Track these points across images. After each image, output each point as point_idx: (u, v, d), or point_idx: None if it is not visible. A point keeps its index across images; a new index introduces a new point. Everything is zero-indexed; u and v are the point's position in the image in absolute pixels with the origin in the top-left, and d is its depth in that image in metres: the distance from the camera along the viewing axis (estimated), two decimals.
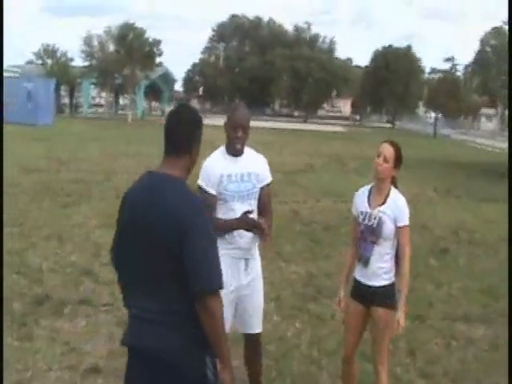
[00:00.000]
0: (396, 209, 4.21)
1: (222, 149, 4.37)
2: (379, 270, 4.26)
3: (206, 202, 4.03)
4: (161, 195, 2.87)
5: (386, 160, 4.21)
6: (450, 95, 57.59)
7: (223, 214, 4.24)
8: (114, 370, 5.22)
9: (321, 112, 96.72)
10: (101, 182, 16.10)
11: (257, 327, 4.51)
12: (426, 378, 5.51)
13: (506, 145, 46.76)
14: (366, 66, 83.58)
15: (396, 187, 4.36)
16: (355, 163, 23.96)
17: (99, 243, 9.56)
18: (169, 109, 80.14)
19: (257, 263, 4.46)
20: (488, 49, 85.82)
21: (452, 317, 7.14)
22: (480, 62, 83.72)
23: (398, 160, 4.27)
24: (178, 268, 2.77)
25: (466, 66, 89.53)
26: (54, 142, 27.18)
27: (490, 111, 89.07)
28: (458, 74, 69.67)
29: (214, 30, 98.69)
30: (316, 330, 6.42)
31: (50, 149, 23.57)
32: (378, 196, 4.29)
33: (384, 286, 4.29)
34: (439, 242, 10.86)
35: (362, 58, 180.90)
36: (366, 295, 4.34)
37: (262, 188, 4.41)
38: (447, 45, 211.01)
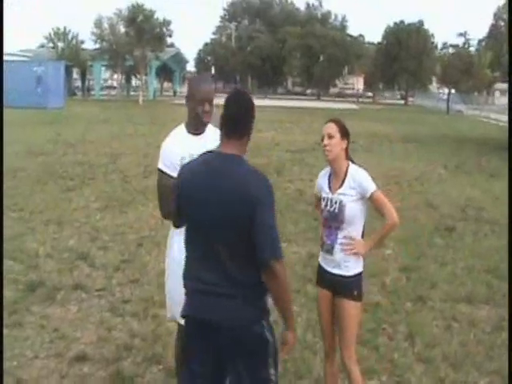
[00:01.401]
0: (357, 185, 3.98)
1: (182, 127, 4.10)
2: (345, 258, 4.05)
3: (166, 188, 3.84)
4: (232, 173, 3.05)
5: (330, 136, 4.04)
6: (464, 71, 56.85)
7: None
8: (101, 357, 5.13)
9: (333, 89, 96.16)
10: (106, 164, 15.99)
11: None
12: (425, 362, 5.34)
13: None
14: (379, 43, 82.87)
15: (352, 161, 4.15)
16: (365, 140, 23.72)
17: (98, 226, 9.47)
18: (180, 89, 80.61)
19: None
20: (501, 23, 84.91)
21: (455, 297, 6.96)
22: (493, 36, 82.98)
23: (344, 132, 4.07)
24: (247, 240, 2.97)
25: (479, 41, 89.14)
26: (63, 125, 27.13)
27: (504, 86, 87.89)
28: (472, 49, 69.12)
29: (225, 10, 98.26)
30: (312, 313, 6.18)
31: (58, 132, 23.47)
32: (336, 178, 4.09)
33: (352, 276, 4.08)
34: (446, 220, 10.66)
35: (374, 34, 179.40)
36: (331, 283, 4.13)
37: None
38: (460, 19, 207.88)
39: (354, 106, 64.25)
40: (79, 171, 14.57)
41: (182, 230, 3.94)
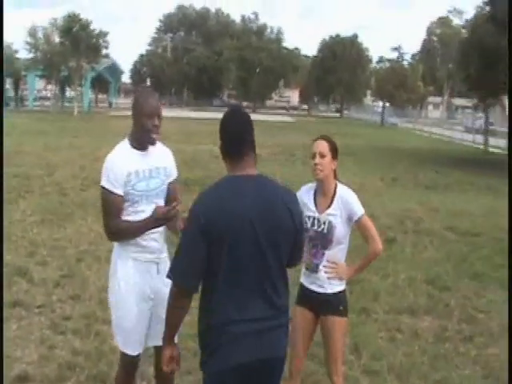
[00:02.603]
0: (346, 206, 3.98)
1: (126, 142, 3.84)
2: (327, 276, 4.05)
3: (113, 207, 3.71)
4: (275, 196, 2.99)
5: (322, 155, 3.98)
6: (398, 84, 58.04)
7: (130, 217, 3.76)
8: (43, 377, 4.96)
9: (269, 102, 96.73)
10: (42, 176, 15.65)
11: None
12: (371, 374, 5.36)
13: (451, 132, 47.58)
14: (314, 56, 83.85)
15: (337, 179, 4.12)
16: (303, 153, 23.84)
17: (36, 241, 9.23)
18: (116, 101, 79.66)
19: (167, 266, 4.08)
20: (434, 38, 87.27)
21: (397, 309, 7.03)
22: (426, 51, 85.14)
23: (335, 151, 4.04)
24: (285, 263, 3.01)
25: (413, 55, 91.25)
26: None
27: (437, 99, 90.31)
28: (405, 63, 70.61)
29: (161, 21, 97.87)
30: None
31: None
32: (324, 198, 4.04)
33: (338, 293, 4.10)
34: (386, 232, 10.75)
35: (309, 48, 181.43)
36: (315, 303, 4.11)
37: (169, 183, 3.96)
38: (395, 34, 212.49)
39: (289, 119, 64.75)
40: (15, 183, 14.18)
41: (122, 253, 3.83)
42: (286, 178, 15.64)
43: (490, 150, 32.91)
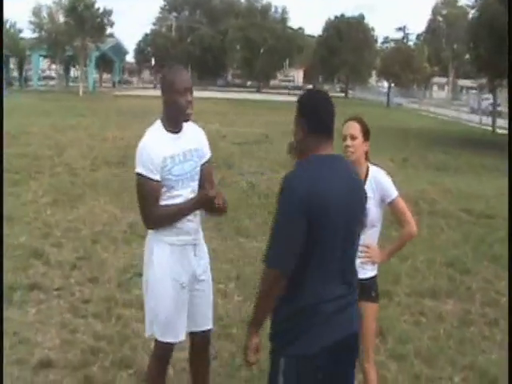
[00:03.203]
0: (379, 187, 3.90)
1: (159, 125, 3.72)
2: (360, 262, 3.96)
3: (151, 194, 3.59)
4: (357, 179, 3.06)
5: (353, 137, 3.90)
6: (404, 65, 57.62)
7: (167, 202, 3.66)
8: (67, 362, 4.88)
9: (274, 82, 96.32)
10: (51, 156, 15.54)
11: (209, 323, 3.97)
12: (398, 359, 5.28)
13: (457, 113, 47.32)
14: (319, 36, 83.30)
15: (369, 161, 4.03)
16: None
17: (50, 222, 9.15)
18: (120, 80, 79.22)
19: (205, 248, 3.94)
20: (440, 18, 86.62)
21: (419, 292, 6.95)
22: (431, 31, 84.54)
23: (367, 133, 3.97)
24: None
25: (418, 36, 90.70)
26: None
27: (442, 80, 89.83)
28: (410, 43, 70.20)
29: (165, 0, 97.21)
30: None
31: None
32: None
33: (370, 278, 4.04)
34: None
35: (314, 27, 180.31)
36: None
37: (202, 165, 3.85)
38: (400, 14, 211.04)
39: (294, 99, 64.33)
40: (24, 164, 14.09)
41: (158, 239, 3.72)
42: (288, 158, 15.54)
43: (498, 131, 32.66)
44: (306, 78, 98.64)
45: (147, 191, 3.61)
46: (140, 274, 6.86)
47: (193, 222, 3.74)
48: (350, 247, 2.98)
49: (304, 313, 2.85)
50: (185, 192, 3.67)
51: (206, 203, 3.64)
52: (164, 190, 3.64)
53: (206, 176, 3.86)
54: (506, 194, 13.32)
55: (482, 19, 25.61)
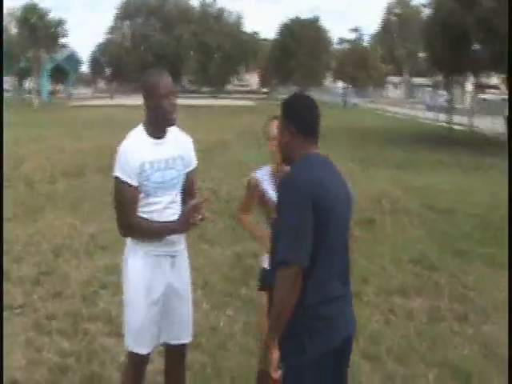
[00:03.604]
0: None
1: (141, 129, 3.59)
2: None
3: (127, 198, 3.49)
4: (344, 179, 3.04)
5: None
6: (359, 65, 58.19)
7: (143, 209, 3.56)
8: (34, 383, 4.71)
9: (229, 87, 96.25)
10: (9, 169, 15.21)
11: (187, 337, 3.85)
12: (371, 359, 5.24)
13: (413, 111, 47.81)
14: (274, 39, 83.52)
15: None
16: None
17: (9, 237, 8.90)
18: (74, 91, 78.41)
19: (185, 260, 3.82)
20: (393, 17, 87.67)
21: (388, 290, 6.94)
22: (385, 31, 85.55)
23: None
24: None
25: (372, 36, 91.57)
26: None
27: (396, 79, 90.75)
28: (365, 43, 70.85)
29: (118, 9, 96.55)
30: (250, 316, 6.00)
31: None
32: None
33: None
34: (364, 213, 10.65)
35: (269, 31, 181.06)
36: None
37: (186, 174, 3.73)
38: (354, 15, 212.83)
39: (250, 103, 64.43)
40: None
41: (135, 248, 3.61)
42: (255, 163, 15.52)
43: (455, 127, 33.10)
44: (262, 82, 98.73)
45: (123, 196, 3.50)
46: (104, 287, 6.83)
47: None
48: (347, 246, 3.02)
49: (308, 316, 2.83)
50: (164, 200, 3.57)
51: (187, 225, 3.53)
52: (142, 196, 3.53)
53: (189, 184, 3.76)
54: (465, 189, 13.56)
55: (436, 17, 25.94)
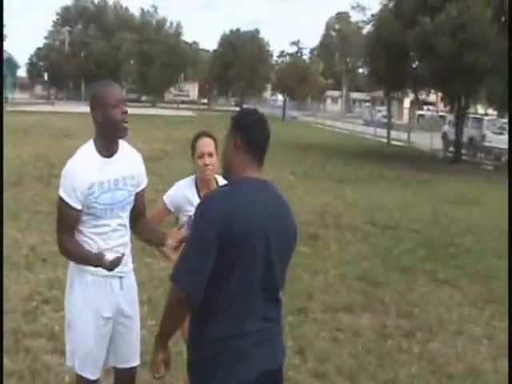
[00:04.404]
0: None
1: (90, 146, 3.37)
2: None
3: (67, 220, 3.33)
4: (281, 201, 2.90)
5: (211, 155, 3.93)
6: (299, 78, 58.63)
7: (91, 230, 3.38)
8: None
9: (168, 96, 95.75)
10: None
11: (135, 360, 3.68)
12: (320, 377, 5.20)
13: (352, 126, 48.41)
14: (214, 50, 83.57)
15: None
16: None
17: None
18: (13, 95, 76.82)
19: (133, 281, 3.66)
20: (333, 33, 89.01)
21: (334, 307, 6.92)
22: (324, 45, 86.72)
23: (217, 147, 3.97)
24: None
25: (312, 50, 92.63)
26: None
27: (335, 93, 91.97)
28: (305, 57, 71.55)
29: (58, 14, 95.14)
30: None
31: None
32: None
33: None
34: (307, 228, 10.63)
35: (209, 42, 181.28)
36: None
37: (136, 193, 3.55)
38: (295, 29, 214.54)
39: (190, 113, 64.23)
40: None
41: (79, 267, 3.46)
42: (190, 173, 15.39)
43: (392, 142, 33.69)
44: (201, 92, 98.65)
45: (63, 216, 3.33)
46: (46, 301, 6.61)
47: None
48: (278, 283, 2.84)
49: (217, 348, 2.71)
50: (112, 222, 3.40)
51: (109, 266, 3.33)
52: (89, 217, 3.36)
53: (137, 206, 3.60)
54: (406, 204, 13.76)
55: (378, 34, 26.42)
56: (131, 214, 3.56)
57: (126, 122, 3.34)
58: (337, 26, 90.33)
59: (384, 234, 10.72)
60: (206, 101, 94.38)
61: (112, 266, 3.28)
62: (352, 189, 15.93)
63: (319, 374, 5.26)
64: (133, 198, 3.52)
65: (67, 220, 3.34)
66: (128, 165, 3.46)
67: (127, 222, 3.54)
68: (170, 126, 39.21)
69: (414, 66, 26.52)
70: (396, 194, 15.67)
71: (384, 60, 25.37)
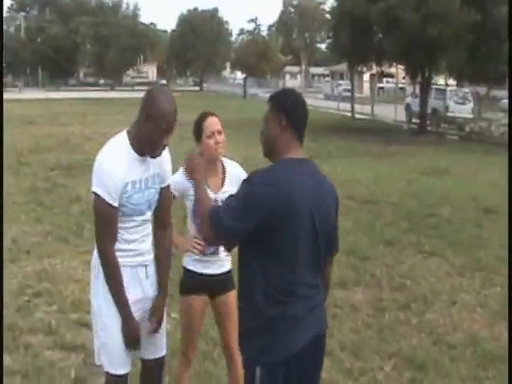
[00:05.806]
0: (239, 181, 3.45)
1: (125, 141, 3.26)
2: (225, 255, 3.93)
3: (110, 221, 3.23)
4: (326, 185, 3.00)
5: (220, 133, 3.86)
6: (259, 55, 58.49)
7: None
8: None
9: (127, 79, 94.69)
10: None
11: (163, 349, 3.61)
12: (327, 355, 5.11)
13: (313, 101, 48.46)
14: (173, 30, 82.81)
15: None
16: (177, 129, 23.42)
17: None
18: None
19: (153, 269, 3.55)
20: (291, 9, 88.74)
21: None
22: (283, 22, 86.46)
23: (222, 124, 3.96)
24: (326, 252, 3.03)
25: (270, 27, 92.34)
26: None
27: (294, 69, 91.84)
28: (263, 34, 71.31)
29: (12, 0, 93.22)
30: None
31: None
32: (215, 176, 3.89)
33: (231, 269, 4.01)
34: None
35: (167, 22, 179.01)
36: (215, 284, 3.95)
37: (161, 189, 3.44)
38: (253, 6, 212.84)
39: None
40: None
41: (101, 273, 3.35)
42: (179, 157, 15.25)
43: (356, 116, 33.81)
44: (160, 73, 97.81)
45: (104, 217, 3.22)
46: (38, 295, 6.49)
47: (145, 243, 3.40)
48: (320, 256, 2.97)
49: (274, 321, 2.82)
50: (138, 218, 3.33)
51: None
52: (119, 215, 3.27)
53: (164, 202, 3.49)
54: (381, 178, 13.83)
55: (342, 9, 26.48)
56: (155, 211, 3.48)
57: (164, 147, 3.30)
58: (295, 2, 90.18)
59: (364, 209, 10.79)
60: (164, 81, 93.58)
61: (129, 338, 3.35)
62: (325, 164, 15.80)
63: (326, 352, 5.27)
64: (158, 195, 3.44)
65: (108, 220, 3.22)
66: (157, 162, 3.37)
67: (151, 216, 3.47)
68: (130, 108, 38.64)
69: (378, 39, 26.56)
70: (368, 167, 15.75)
71: (348, 34, 25.47)
